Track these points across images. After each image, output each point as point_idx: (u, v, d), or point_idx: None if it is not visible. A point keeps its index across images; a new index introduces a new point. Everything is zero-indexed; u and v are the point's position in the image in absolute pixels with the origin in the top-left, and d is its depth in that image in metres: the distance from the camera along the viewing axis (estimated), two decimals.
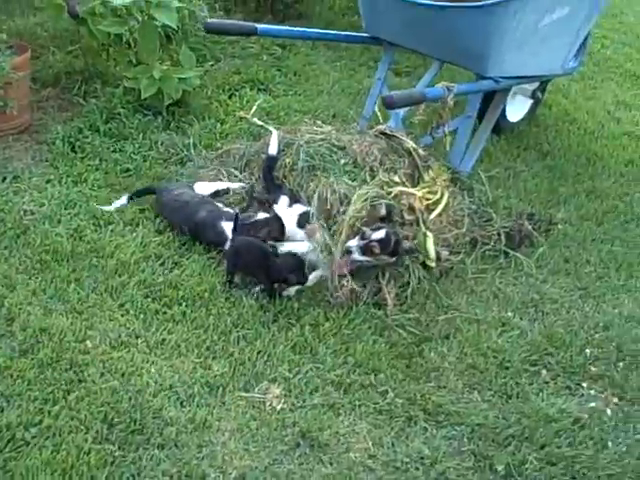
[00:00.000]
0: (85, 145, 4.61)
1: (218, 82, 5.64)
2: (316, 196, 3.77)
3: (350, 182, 3.85)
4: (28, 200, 4.11)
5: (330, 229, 3.71)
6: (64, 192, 4.21)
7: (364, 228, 3.66)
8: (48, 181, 4.31)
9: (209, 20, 4.38)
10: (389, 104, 3.67)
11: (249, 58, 6.11)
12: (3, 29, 5.27)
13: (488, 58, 4.23)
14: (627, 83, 6.72)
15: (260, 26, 4.48)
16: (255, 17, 6.88)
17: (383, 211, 3.71)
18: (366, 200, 3.69)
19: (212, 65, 5.91)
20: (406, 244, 3.66)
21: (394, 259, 3.70)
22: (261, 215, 3.89)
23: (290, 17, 7.14)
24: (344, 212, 3.67)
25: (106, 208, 4.07)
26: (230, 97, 5.51)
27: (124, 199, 4.14)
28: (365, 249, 3.59)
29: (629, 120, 5.99)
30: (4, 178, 4.29)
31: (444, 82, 3.95)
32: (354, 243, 3.59)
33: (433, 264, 3.82)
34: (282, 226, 3.84)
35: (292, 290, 3.66)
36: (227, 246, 3.76)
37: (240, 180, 4.32)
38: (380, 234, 3.61)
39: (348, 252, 3.59)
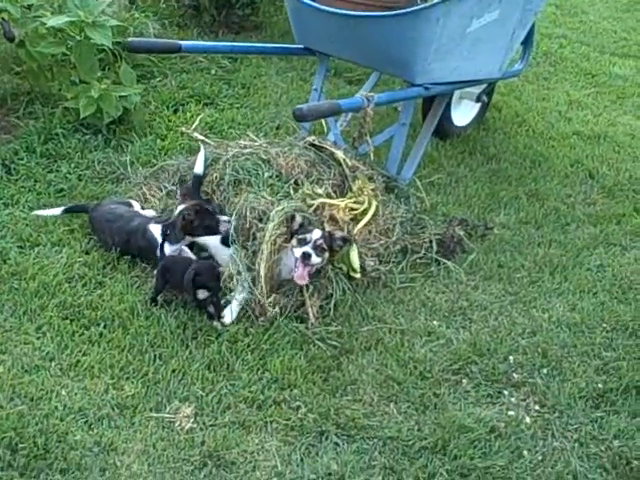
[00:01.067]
0: (20, 167, 4.60)
1: (163, 98, 5.63)
2: (234, 215, 3.74)
3: (269, 197, 3.82)
4: None
5: (248, 249, 3.68)
6: None
7: (299, 236, 3.63)
8: None
9: (131, 39, 4.37)
10: (299, 117, 3.64)
11: (197, 72, 6.09)
12: None
13: (414, 65, 4.21)
14: (582, 82, 6.69)
15: (184, 43, 4.46)
16: (211, 31, 6.92)
17: (299, 220, 3.69)
18: (284, 215, 3.66)
19: (159, 81, 5.90)
20: (337, 234, 3.65)
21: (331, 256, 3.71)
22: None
23: (247, 29, 7.15)
24: (262, 229, 3.64)
25: (39, 212, 4.13)
26: (174, 112, 5.49)
27: (59, 210, 4.17)
28: (317, 250, 3.59)
29: (580, 119, 5.95)
30: None
31: (363, 92, 3.92)
32: (306, 248, 3.58)
33: (358, 275, 3.79)
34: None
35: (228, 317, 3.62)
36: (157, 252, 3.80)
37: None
38: (317, 233, 3.62)
39: (307, 256, 3.57)
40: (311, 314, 3.57)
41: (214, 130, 5.27)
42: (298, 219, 3.64)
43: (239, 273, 3.60)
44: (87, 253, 3.96)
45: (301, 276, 3.59)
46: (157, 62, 6.06)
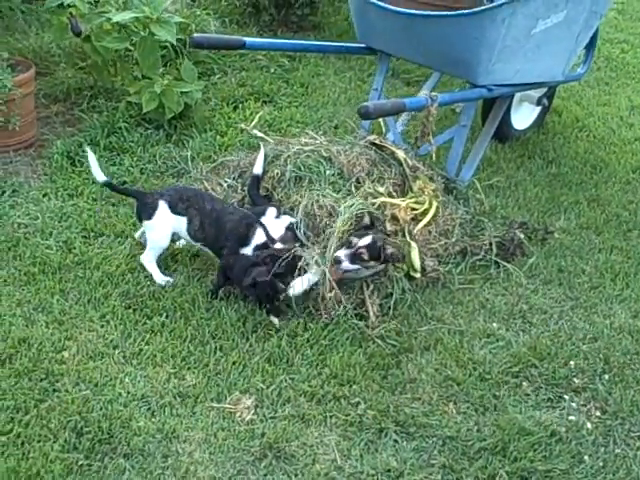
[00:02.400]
0: (84, 159, 4.68)
1: (223, 95, 5.69)
2: (301, 210, 3.76)
3: (335, 194, 3.84)
4: (23, 213, 4.20)
5: (320, 243, 3.70)
6: (59, 205, 4.30)
7: (351, 238, 3.64)
8: (45, 194, 4.41)
9: (195, 35, 4.41)
10: (364, 114, 3.65)
11: (257, 71, 6.14)
12: (4, 47, 5.38)
13: (477, 66, 4.18)
14: None
15: (249, 40, 4.50)
16: (270, 30, 6.98)
17: (367, 220, 3.70)
18: (352, 211, 3.67)
19: (219, 78, 5.97)
20: (389, 249, 3.63)
21: (382, 266, 3.68)
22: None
23: (305, 29, 7.20)
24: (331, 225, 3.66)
25: (90, 156, 3.97)
26: (234, 109, 5.55)
27: (102, 177, 3.94)
28: (354, 257, 3.58)
29: None
30: (3, 192, 4.39)
31: (426, 91, 3.91)
32: (342, 252, 3.58)
33: (418, 275, 3.78)
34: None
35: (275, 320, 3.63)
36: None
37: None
38: (366, 240, 3.60)
39: (338, 262, 3.57)
40: (371, 312, 3.58)
41: (273, 128, 5.31)
42: (366, 220, 3.64)
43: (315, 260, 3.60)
44: None
45: (331, 274, 3.60)
46: (217, 59, 6.14)
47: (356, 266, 3.60)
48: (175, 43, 5.11)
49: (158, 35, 4.99)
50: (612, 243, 4.39)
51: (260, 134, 5.01)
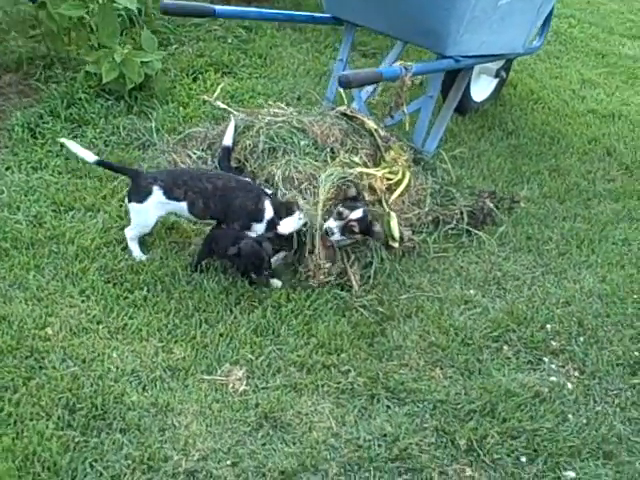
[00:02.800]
0: (45, 131, 4.56)
1: (182, 65, 5.59)
2: (279, 174, 3.75)
3: (313, 162, 3.84)
4: None
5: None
6: (24, 179, 4.17)
7: (340, 208, 3.65)
8: (7, 168, 4.26)
9: (165, 1, 4.31)
10: (345, 83, 3.65)
11: (214, 41, 6.05)
12: None
13: (447, 37, 4.22)
14: (592, 62, 6.77)
15: (218, 7, 4.43)
16: (223, 2, 6.86)
17: (353, 191, 3.71)
18: (333, 180, 3.68)
19: (176, 48, 5.86)
20: (376, 226, 3.66)
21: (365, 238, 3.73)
22: None
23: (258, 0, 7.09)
24: (313, 191, 3.67)
25: (70, 144, 3.86)
26: (194, 80, 5.46)
27: (92, 156, 3.80)
28: (344, 229, 3.61)
29: (594, 98, 6.03)
30: None
31: (401, 61, 3.93)
32: (334, 224, 3.60)
33: (396, 244, 3.82)
34: None
35: (277, 282, 3.65)
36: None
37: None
38: (358, 213, 3.62)
39: (330, 233, 3.59)
40: (354, 281, 3.61)
41: (235, 99, 5.25)
42: (353, 191, 3.66)
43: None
44: (121, 218, 3.94)
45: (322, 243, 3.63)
46: (173, 29, 6.04)
47: (345, 238, 3.63)
48: (135, 10, 4.99)
49: (118, 2, 4.87)
50: (575, 211, 4.53)
51: (223, 105, 4.97)
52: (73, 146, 3.82)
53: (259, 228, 3.66)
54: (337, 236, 3.57)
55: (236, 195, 3.66)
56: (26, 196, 4.03)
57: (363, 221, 3.58)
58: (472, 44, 4.39)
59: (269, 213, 3.65)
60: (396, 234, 3.77)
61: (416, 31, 4.33)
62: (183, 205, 3.66)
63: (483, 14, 4.26)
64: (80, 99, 4.85)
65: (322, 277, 3.57)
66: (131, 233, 3.71)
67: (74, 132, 4.63)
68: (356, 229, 3.57)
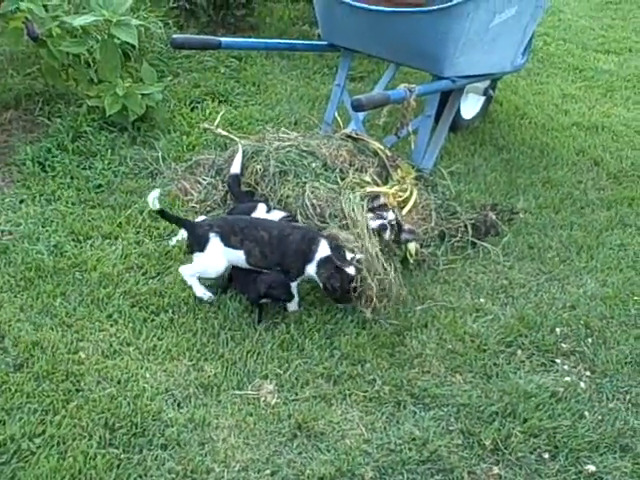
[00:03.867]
0: (55, 164, 4.68)
1: (179, 96, 5.75)
2: (301, 201, 3.91)
3: (327, 185, 3.99)
4: (4, 220, 4.17)
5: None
6: (39, 211, 4.28)
7: (377, 212, 3.87)
8: (22, 201, 4.38)
9: (175, 36, 4.48)
10: (358, 107, 3.83)
11: (207, 71, 6.22)
12: None
13: (444, 59, 4.42)
14: (571, 77, 7.01)
15: (224, 39, 4.61)
16: (208, 32, 7.03)
17: (381, 200, 3.95)
18: (362, 205, 3.85)
19: (171, 80, 6.01)
20: (407, 226, 3.95)
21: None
22: None
23: (242, 29, 7.28)
24: (335, 214, 3.84)
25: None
26: (192, 110, 5.62)
27: (157, 204, 3.66)
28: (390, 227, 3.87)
29: (576, 112, 6.26)
30: None
31: (405, 84, 4.11)
32: (386, 222, 3.84)
33: (412, 259, 3.98)
34: None
35: (294, 305, 3.74)
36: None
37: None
38: (392, 215, 3.88)
39: (383, 229, 3.82)
40: (373, 295, 3.73)
41: (234, 126, 5.40)
42: (382, 199, 3.82)
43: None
44: (139, 244, 4.07)
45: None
46: (166, 61, 6.19)
47: (391, 237, 3.88)
48: (137, 45, 5.14)
49: (119, 38, 5.02)
50: (570, 220, 4.72)
51: (225, 133, 5.10)
52: (153, 194, 3.65)
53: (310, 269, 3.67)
54: (388, 234, 3.76)
55: (291, 241, 3.67)
56: (44, 227, 4.14)
57: (397, 228, 3.82)
58: (467, 65, 4.60)
59: (323, 252, 3.62)
60: (413, 249, 3.94)
61: (413, 55, 4.53)
62: (240, 253, 3.66)
63: (476, 36, 4.47)
64: (85, 132, 4.98)
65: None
66: (188, 271, 3.71)
67: (83, 164, 4.75)
68: (396, 228, 3.81)
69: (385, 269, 3.71)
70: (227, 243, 3.64)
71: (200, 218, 4.11)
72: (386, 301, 3.71)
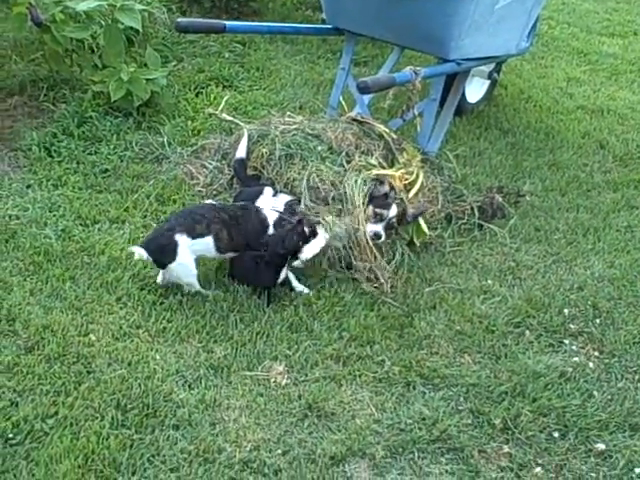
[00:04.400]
0: (61, 149, 4.68)
1: (184, 81, 5.74)
2: (305, 184, 3.90)
3: (334, 167, 3.99)
4: (12, 205, 4.17)
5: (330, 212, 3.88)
6: (46, 195, 4.28)
7: (376, 210, 3.84)
8: (29, 186, 4.37)
9: (180, 19, 4.47)
10: (364, 89, 3.82)
11: (211, 56, 6.21)
12: None
13: (450, 42, 4.41)
14: (576, 60, 7.02)
15: (229, 23, 4.59)
16: (211, 17, 7.00)
17: (384, 188, 3.88)
18: (363, 188, 3.84)
19: (175, 65, 5.99)
20: (410, 211, 3.92)
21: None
22: None
23: (245, 14, 7.25)
24: (339, 198, 3.85)
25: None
26: (197, 95, 5.61)
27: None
28: (388, 228, 3.86)
29: (581, 95, 6.26)
30: None
31: (410, 66, 4.10)
32: (378, 227, 3.81)
33: (419, 240, 3.98)
34: None
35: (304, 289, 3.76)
36: None
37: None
38: (394, 210, 3.85)
39: (377, 237, 3.80)
40: (382, 278, 3.75)
41: (239, 111, 5.40)
42: (386, 188, 3.82)
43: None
44: (146, 228, 4.07)
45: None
46: (171, 47, 6.17)
47: (387, 236, 3.87)
48: (141, 30, 5.12)
49: (123, 22, 5.01)
50: (577, 202, 4.73)
51: (229, 118, 5.10)
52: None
53: None
54: (383, 237, 3.77)
55: (246, 220, 3.72)
56: (51, 212, 4.14)
57: (400, 215, 3.83)
58: (472, 47, 4.58)
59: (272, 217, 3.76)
60: (425, 229, 3.94)
61: (419, 37, 4.52)
62: (209, 240, 3.61)
63: (482, 18, 4.45)
64: (90, 117, 4.97)
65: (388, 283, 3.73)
66: (191, 286, 3.64)
67: (89, 149, 4.75)
68: (395, 224, 3.81)
69: (375, 257, 3.75)
70: (194, 235, 3.56)
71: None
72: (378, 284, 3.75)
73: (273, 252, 3.60)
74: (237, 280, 3.74)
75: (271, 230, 3.74)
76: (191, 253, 3.56)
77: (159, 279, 3.67)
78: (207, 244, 3.61)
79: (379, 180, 3.87)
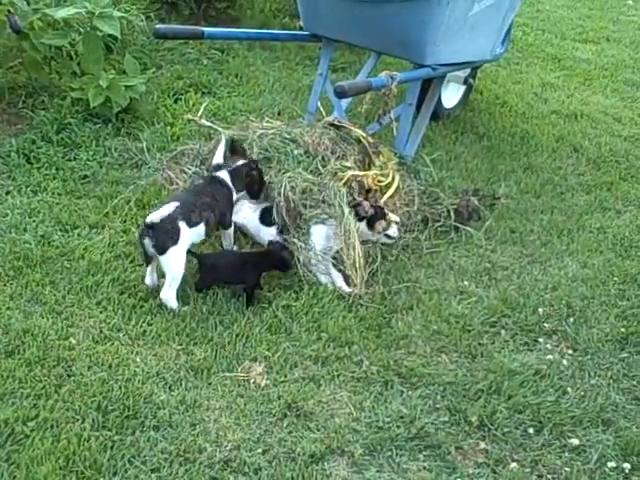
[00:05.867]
0: (40, 156, 4.70)
1: (162, 88, 5.78)
2: (281, 195, 3.96)
3: (307, 175, 4.05)
4: None
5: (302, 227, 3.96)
6: (25, 201, 4.30)
7: (388, 233, 4.03)
8: (8, 192, 4.39)
9: (158, 26, 4.51)
10: (341, 93, 3.88)
11: (189, 63, 6.26)
12: None
13: (425, 47, 4.49)
14: (550, 66, 7.14)
15: (207, 29, 4.64)
16: (189, 24, 7.03)
17: (365, 208, 3.97)
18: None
19: (153, 72, 6.02)
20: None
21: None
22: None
23: (223, 22, 7.28)
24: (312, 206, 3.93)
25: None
26: (176, 101, 5.65)
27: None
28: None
29: (555, 100, 6.37)
30: None
31: (386, 71, 4.17)
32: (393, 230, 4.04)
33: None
34: None
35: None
36: None
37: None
38: (395, 219, 4.06)
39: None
40: (357, 281, 3.80)
41: (218, 117, 5.44)
42: (365, 205, 3.91)
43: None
44: (126, 233, 4.10)
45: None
46: (149, 54, 6.20)
47: None
48: (120, 37, 5.16)
49: (102, 30, 5.04)
50: (551, 204, 4.82)
51: (208, 123, 5.12)
52: None
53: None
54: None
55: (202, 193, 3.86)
56: (30, 217, 4.16)
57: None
58: (447, 53, 4.66)
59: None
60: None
61: (394, 43, 4.59)
62: (201, 228, 3.74)
63: (456, 24, 4.53)
64: (70, 124, 5.00)
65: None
66: (171, 291, 3.60)
67: (68, 155, 4.78)
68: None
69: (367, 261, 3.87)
70: (191, 224, 3.65)
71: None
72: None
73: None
74: (218, 282, 3.77)
75: (234, 194, 3.94)
76: (188, 241, 3.64)
77: (147, 280, 3.71)
78: (200, 232, 3.75)
79: (358, 204, 3.93)
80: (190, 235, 3.65)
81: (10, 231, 4.01)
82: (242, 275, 3.73)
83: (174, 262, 3.58)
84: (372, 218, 3.94)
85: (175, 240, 3.55)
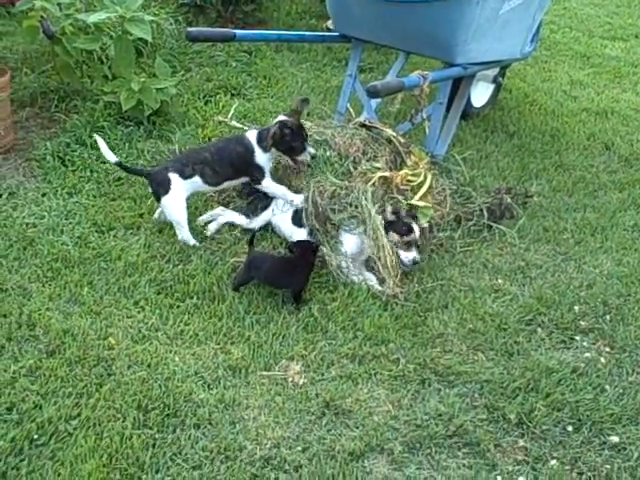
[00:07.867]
0: (74, 158, 4.76)
1: (192, 90, 5.82)
2: (309, 199, 4.00)
3: (334, 179, 4.06)
4: (28, 214, 4.25)
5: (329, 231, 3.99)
6: (61, 204, 4.36)
7: (406, 238, 3.93)
8: (44, 194, 4.45)
9: (190, 29, 4.55)
10: (374, 93, 3.89)
11: (218, 66, 6.30)
12: None
13: (455, 46, 4.48)
14: (579, 64, 7.09)
15: (238, 32, 4.67)
16: (216, 26, 7.08)
17: (389, 212, 3.97)
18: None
19: (183, 75, 6.08)
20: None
21: None
22: None
23: (250, 24, 7.33)
24: (336, 210, 3.95)
25: (99, 141, 4.14)
26: (206, 103, 5.69)
27: (113, 158, 4.12)
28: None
29: (585, 97, 6.33)
30: (0, 195, 4.40)
31: (418, 71, 4.17)
32: (414, 253, 3.95)
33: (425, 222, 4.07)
34: None
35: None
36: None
37: None
38: (417, 230, 3.97)
39: (416, 263, 3.95)
40: (390, 281, 3.81)
41: (248, 119, 5.47)
42: (389, 209, 3.91)
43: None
44: (161, 233, 4.14)
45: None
46: (178, 57, 6.26)
47: None
48: (151, 41, 5.20)
49: (133, 34, 5.09)
50: (584, 202, 4.78)
51: (239, 125, 5.17)
52: (101, 143, 4.12)
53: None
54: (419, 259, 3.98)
55: (226, 149, 4.19)
56: (67, 219, 4.22)
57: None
58: (478, 52, 4.65)
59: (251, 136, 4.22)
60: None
61: (425, 43, 4.59)
62: (197, 179, 4.10)
63: (487, 23, 4.52)
64: (102, 127, 5.05)
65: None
66: (183, 234, 4.07)
67: (102, 158, 4.78)
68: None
69: (394, 262, 3.86)
70: (184, 176, 4.06)
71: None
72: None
73: None
74: (267, 283, 3.80)
75: (257, 150, 4.14)
76: (185, 191, 4.07)
77: (155, 215, 4.24)
78: (196, 182, 4.12)
79: (382, 210, 3.95)
80: (185, 186, 4.07)
81: (48, 233, 4.07)
82: (290, 279, 3.75)
83: (170, 209, 4.05)
84: (389, 224, 3.92)
85: (166, 190, 4.01)
